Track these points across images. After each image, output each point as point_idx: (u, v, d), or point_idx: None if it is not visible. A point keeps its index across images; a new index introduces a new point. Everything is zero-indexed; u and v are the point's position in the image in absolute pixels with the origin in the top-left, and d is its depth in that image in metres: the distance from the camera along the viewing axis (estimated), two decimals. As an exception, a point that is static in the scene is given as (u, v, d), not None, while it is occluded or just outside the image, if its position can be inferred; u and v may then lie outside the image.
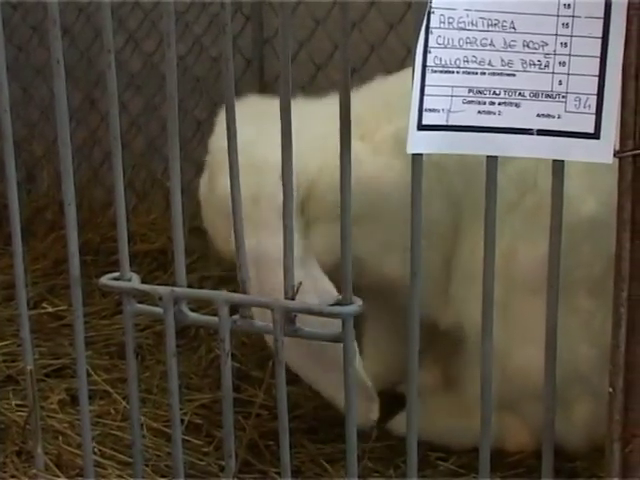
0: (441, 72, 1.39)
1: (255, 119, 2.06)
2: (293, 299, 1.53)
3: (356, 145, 1.59)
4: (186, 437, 2.32)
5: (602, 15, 1.34)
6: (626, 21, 1.34)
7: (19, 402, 2.51)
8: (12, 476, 2.21)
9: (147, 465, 2.24)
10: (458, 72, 1.39)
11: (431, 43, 1.38)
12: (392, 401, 2.42)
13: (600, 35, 1.35)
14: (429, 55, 1.38)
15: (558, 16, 1.36)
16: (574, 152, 1.38)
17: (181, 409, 1.79)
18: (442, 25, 1.38)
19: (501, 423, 2.19)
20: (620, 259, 1.43)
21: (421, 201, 1.44)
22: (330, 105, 1.72)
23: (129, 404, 1.71)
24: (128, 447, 2.28)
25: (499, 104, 1.39)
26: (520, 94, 1.39)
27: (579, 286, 2.10)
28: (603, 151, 1.37)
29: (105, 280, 1.67)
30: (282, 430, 1.56)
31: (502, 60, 1.38)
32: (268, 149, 1.90)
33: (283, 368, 1.55)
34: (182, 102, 3.60)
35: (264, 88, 3.50)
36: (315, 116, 2.17)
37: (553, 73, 1.38)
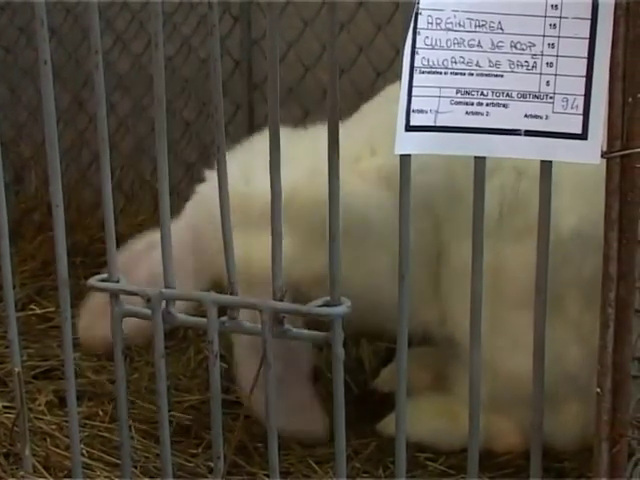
0: (429, 73, 1.39)
1: None
2: (282, 300, 1.53)
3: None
4: (174, 439, 2.31)
5: (589, 16, 1.34)
6: (613, 22, 1.34)
7: (7, 404, 2.50)
8: (0, 478, 2.21)
9: (135, 467, 2.24)
10: (446, 73, 1.39)
11: (419, 44, 1.38)
12: (381, 402, 2.42)
13: (587, 36, 1.35)
14: (417, 56, 1.38)
15: (545, 17, 1.36)
16: (562, 153, 1.38)
17: (169, 410, 1.79)
18: (430, 26, 1.38)
19: (491, 424, 2.19)
20: (608, 259, 1.43)
21: (409, 203, 1.44)
22: None
23: (117, 405, 1.71)
24: (116, 449, 2.27)
25: (487, 105, 1.39)
26: (508, 95, 1.39)
27: (568, 289, 2.11)
28: (591, 152, 1.37)
29: (93, 281, 1.67)
30: (270, 432, 1.56)
31: (490, 61, 1.38)
32: None
33: (272, 369, 1.55)
34: (170, 103, 3.60)
35: (252, 89, 3.50)
36: None
37: (541, 74, 1.38)
